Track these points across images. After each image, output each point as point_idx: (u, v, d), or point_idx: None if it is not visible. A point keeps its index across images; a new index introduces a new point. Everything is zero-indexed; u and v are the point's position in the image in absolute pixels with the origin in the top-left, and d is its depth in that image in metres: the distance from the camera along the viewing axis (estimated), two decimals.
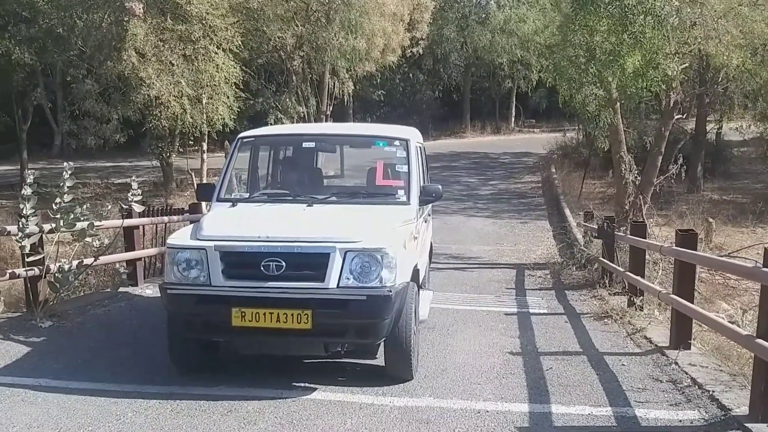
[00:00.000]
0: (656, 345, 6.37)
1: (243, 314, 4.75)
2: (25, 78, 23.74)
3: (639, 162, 13.41)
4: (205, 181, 15.59)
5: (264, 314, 4.74)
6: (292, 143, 6.89)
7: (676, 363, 5.69)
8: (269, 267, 4.77)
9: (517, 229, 17.21)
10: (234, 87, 15.89)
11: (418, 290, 5.68)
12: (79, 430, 4.29)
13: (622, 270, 8.74)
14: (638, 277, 7.86)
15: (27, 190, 6.57)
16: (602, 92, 11.68)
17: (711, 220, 14.83)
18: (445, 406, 4.78)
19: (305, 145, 6.63)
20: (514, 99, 42.01)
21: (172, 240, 5.36)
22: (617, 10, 10.22)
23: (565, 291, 9.85)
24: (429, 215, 7.68)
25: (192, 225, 5.69)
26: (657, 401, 4.90)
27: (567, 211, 17.08)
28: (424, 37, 28.35)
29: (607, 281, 9.63)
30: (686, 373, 5.43)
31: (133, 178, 8.11)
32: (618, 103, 12.14)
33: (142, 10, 14.62)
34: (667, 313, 7.09)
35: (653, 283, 7.88)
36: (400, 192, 5.93)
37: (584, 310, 8.33)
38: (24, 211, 6.57)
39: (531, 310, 8.39)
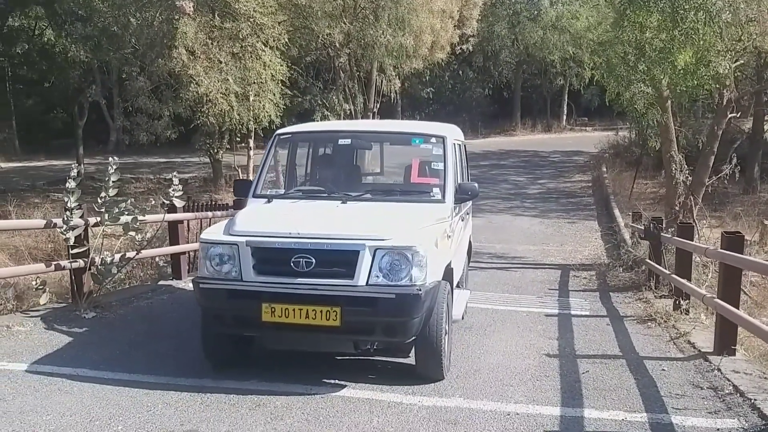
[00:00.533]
0: (699, 350, 6.17)
1: (273, 310, 4.78)
2: (81, 75, 24.42)
3: (692, 162, 13.03)
4: (250, 177, 15.73)
5: (293, 310, 4.77)
6: (328, 140, 6.93)
7: (719, 369, 5.50)
8: (299, 263, 4.81)
9: (565, 229, 16.91)
10: (280, 84, 16.01)
11: (452, 289, 5.65)
12: (109, 419, 4.36)
13: (668, 272, 8.50)
14: (683, 280, 7.62)
15: (71, 184, 6.73)
16: (651, 90, 11.35)
17: (767, 222, 14.31)
18: (474, 407, 4.71)
19: (341, 142, 6.59)
20: (566, 97, 41.33)
21: (205, 235, 5.41)
22: (668, 5, 9.91)
23: (610, 293, 9.64)
24: (467, 214, 7.61)
25: (227, 220, 5.75)
26: (695, 408, 4.73)
27: (616, 212, 16.71)
28: (473, 34, 28.10)
29: (653, 284, 9.38)
30: (728, 380, 5.25)
31: (174, 173, 8.23)
32: (668, 101, 11.79)
33: (191, 9, 14.85)
34: (714, 318, 6.87)
35: (702, 287, 7.64)
36: (435, 190, 5.94)
37: (628, 313, 8.13)
38: (68, 204, 6.74)
39: (572, 312, 8.22)
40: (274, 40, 15.58)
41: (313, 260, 4.80)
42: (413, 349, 5.23)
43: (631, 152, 25.05)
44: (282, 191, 6.34)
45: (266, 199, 5.92)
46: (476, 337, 6.70)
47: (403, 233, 4.93)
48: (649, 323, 7.47)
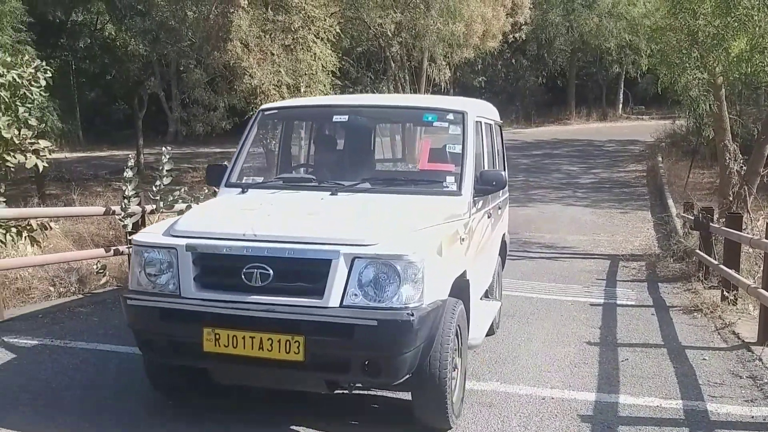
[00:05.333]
0: (743, 340, 6.15)
1: (217, 337, 3.69)
2: (141, 68, 25.16)
3: (749, 151, 12.75)
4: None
5: (243, 338, 3.67)
6: (320, 116, 5.74)
7: (760, 359, 5.50)
8: (252, 275, 3.69)
9: (616, 219, 16.72)
10: (331, 75, 16.26)
11: (467, 307, 4.46)
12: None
13: (716, 262, 8.41)
14: (731, 270, 7.55)
15: (128, 173, 7.08)
16: (705, 76, 11.15)
17: None
18: (510, 391, 4.83)
19: (336, 119, 5.36)
20: (622, 85, 40.57)
21: (140, 235, 4.20)
22: None
23: (659, 283, 9.57)
24: (500, 208, 6.32)
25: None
26: (732, 396, 4.76)
27: (670, 202, 16.44)
28: (527, 22, 27.86)
29: (702, 274, 9.28)
30: None
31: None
32: (722, 89, 11.57)
33: (246, 2, 15.19)
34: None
35: (754, 278, 7.56)
36: (450, 179, 4.68)
37: (674, 303, 8.09)
38: (126, 193, 7.10)
39: (618, 302, 8.22)
40: (325, 32, 15.81)
41: (271, 271, 3.67)
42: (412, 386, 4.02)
43: (687, 141, 24.51)
44: (264, 179, 5.22)
45: (241, 189, 4.81)
46: (518, 324, 6.80)
47: (393, 236, 3.78)
48: (695, 314, 7.43)
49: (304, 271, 3.71)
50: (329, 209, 4.24)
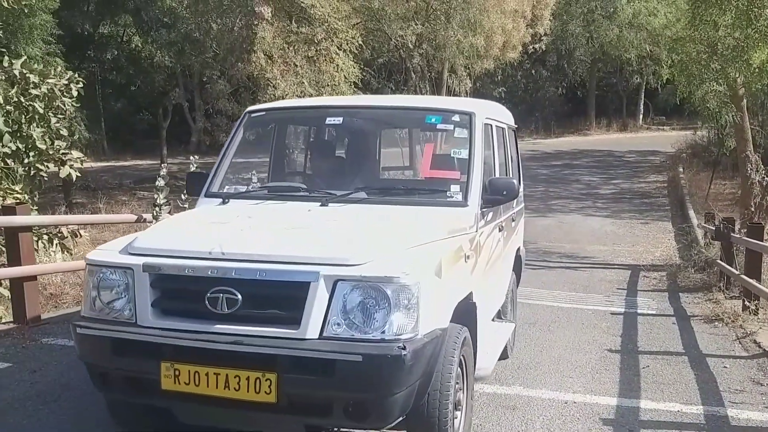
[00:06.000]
0: (764, 349, 6.22)
1: (176, 373, 3.16)
2: (166, 79, 25.60)
3: None
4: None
5: (206, 375, 3.13)
6: (314, 119, 5.19)
7: None
8: (218, 301, 3.15)
9: (637, 230, 16.74)
10: (353, 86, 16.49)
11: (475, 335, 3.94)
12: None
13: (737, 272, 8.46)
14: (752, 280, 7.60)
15: (160, 182, 7.31)
16: (723, 88, 11.22)
17: None
18: (533, 395, 4.94)
19: (330, 121, 4.85)
20: (643, 95, 40.49)
21: (93, 253, 3.62)
22: (742, 3, 9.83)
23: (679, 293, 9.62)
24: (513, 220, 5.73)
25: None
26: (753, 403, 4.84)
27: (691, 212, 16.43)
28: (547, 32, 27.99)
29: (724, 285, 9.32)
30: None
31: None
32: (744, 100, 11.62)
33: (270, 14, 15.49)
34: None
35: None
36: (455, 188, 4.14)
37: (695, 313, 8.15)
38: (157, 201, 7.31)
39: (639, 311, 8.29)
40: (347, 43, 16.06)
41: (239, 296, 3.13)
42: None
43: (709, 152, 24.45)
44: (250, 188, 4.65)
45: (221, 200, 4.31)
46: (540, 332, 6.90)
47: (384, 255, 3.24)
48: (716, 323, 7.48)
49: (278, 296, 3.16)
50: (314, 223, 3.72)
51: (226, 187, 4.49)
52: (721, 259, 9.57)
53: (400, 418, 3.27)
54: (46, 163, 8.11)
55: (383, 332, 3.07)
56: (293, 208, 4.05)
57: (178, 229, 3.81)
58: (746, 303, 7.74)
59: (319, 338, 3.07)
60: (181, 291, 3.30)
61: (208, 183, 4.48)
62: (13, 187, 7.63)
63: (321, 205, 3.98)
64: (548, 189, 21.77)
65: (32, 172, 8.00)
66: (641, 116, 40.93)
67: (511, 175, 5.47)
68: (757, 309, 7.63)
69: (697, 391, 5.08)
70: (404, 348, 3.01)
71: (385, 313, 3.08)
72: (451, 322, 3.47)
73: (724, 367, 5.77)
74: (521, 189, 5.58)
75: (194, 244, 3.39)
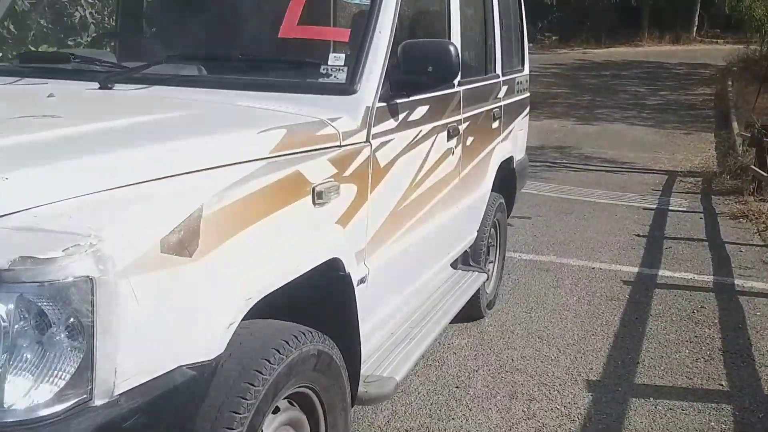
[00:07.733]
0: None
1: None
2: None
3: None
4: None
5: None
6: None
7: None
8: None
9: (679, 140, 17.02)
10: None
11: (349, 332, 2.31)
12: None
13: (767, 175, 8.94)
14: None
15: None
16: None
17: None
18: (564, 262, 5.70)
19: None
20: (698, 7, 39.30)
21: None
22: None
23: (712, 195, 10.15)
24: (495, 117, 3.96)
25: None
26: (758, 277, 5.53)
27: (735, 124, 16.62)
28: None
29: (754, 188, 9.80)
30: None
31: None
32: None
33: None
34: None
35: None
36: (335, 58, 2.49)
37: (723, 211, 8.71)
38: None
39: (670, 208, 8.89)
40: None
41: None
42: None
43: (760, 66, 24.13)
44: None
45: None
46: (575, 220, 7.58)
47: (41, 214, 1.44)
48: (741, 219, 8.06)
49: None
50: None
51: None
52: (754, 165, 10.01)
53: None
54: None
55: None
56: (27, 94, 2.49)
57: None
58: None
59: None
60: None
61: None
62: None
63: (101, 88, 2.48)
64: (595, 98, 21.93)
65: None
66: (695, 29, 39.88)
67: (501, 53, 3.88)
68: None
69: (710, 266, 5.79)
70: None
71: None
72: (240, 344, 1.75)
73: (740, 251, 6.42)
74: (527, 68, 4.30)
75: None
